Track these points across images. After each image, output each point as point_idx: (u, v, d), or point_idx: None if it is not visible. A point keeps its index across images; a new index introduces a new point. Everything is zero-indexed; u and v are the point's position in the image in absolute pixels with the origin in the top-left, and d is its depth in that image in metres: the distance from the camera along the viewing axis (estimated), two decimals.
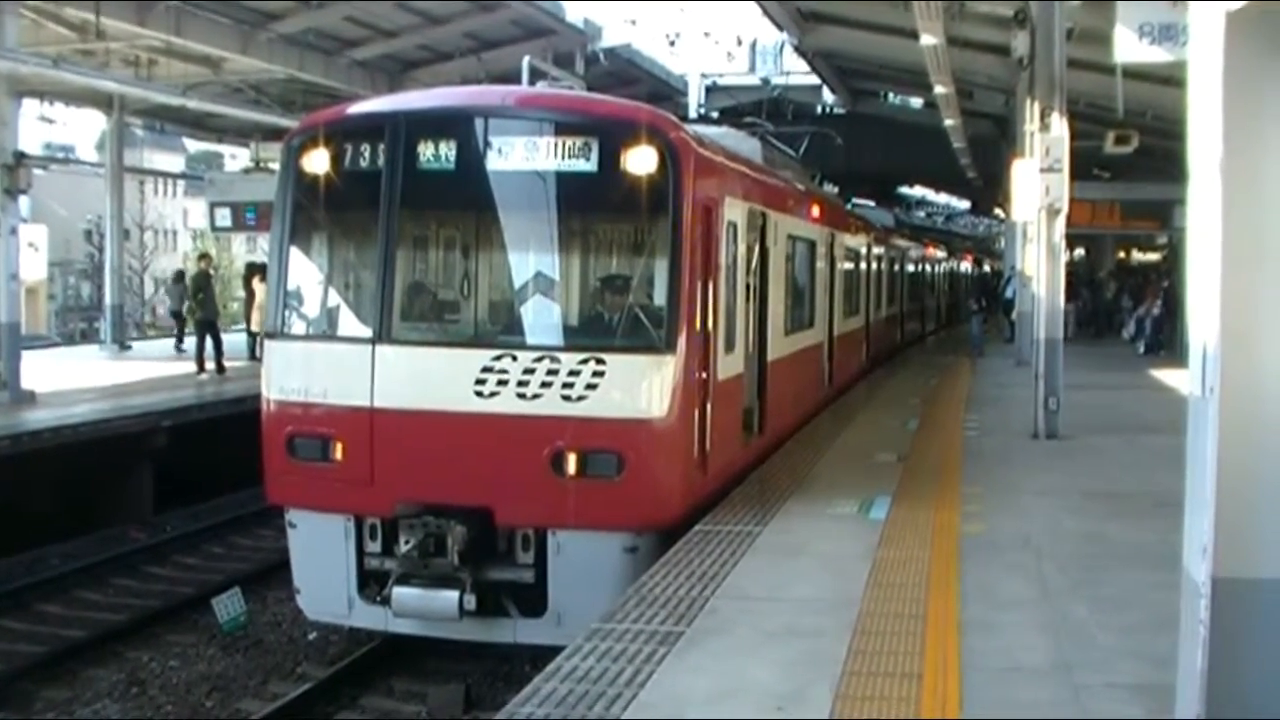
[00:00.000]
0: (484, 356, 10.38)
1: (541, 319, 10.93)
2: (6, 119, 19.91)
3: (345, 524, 10.81)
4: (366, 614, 10.93)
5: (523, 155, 10.66)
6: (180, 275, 32.34)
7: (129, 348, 30.32)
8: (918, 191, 65.13)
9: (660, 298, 10.58)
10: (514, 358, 10.29)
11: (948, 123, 29.73)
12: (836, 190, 29.86)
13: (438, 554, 10.26)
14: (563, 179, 10.64)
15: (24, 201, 21.27)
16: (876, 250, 26.59)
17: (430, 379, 10.54)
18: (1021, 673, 7.01)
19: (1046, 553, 9.85)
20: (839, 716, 6.28)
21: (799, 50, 30.40)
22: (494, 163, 10.72)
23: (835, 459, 14.25)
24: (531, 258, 11.06)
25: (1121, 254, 46.70)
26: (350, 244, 11.75)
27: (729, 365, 12.02)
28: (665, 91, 34.95)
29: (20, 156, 19.64)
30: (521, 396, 10.22)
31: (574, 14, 27.31)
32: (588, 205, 11.04)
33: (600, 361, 10.19)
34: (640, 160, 10.33)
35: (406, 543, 10.31)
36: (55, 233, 70.22)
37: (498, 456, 10.29)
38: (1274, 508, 4.81)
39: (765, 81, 36.48)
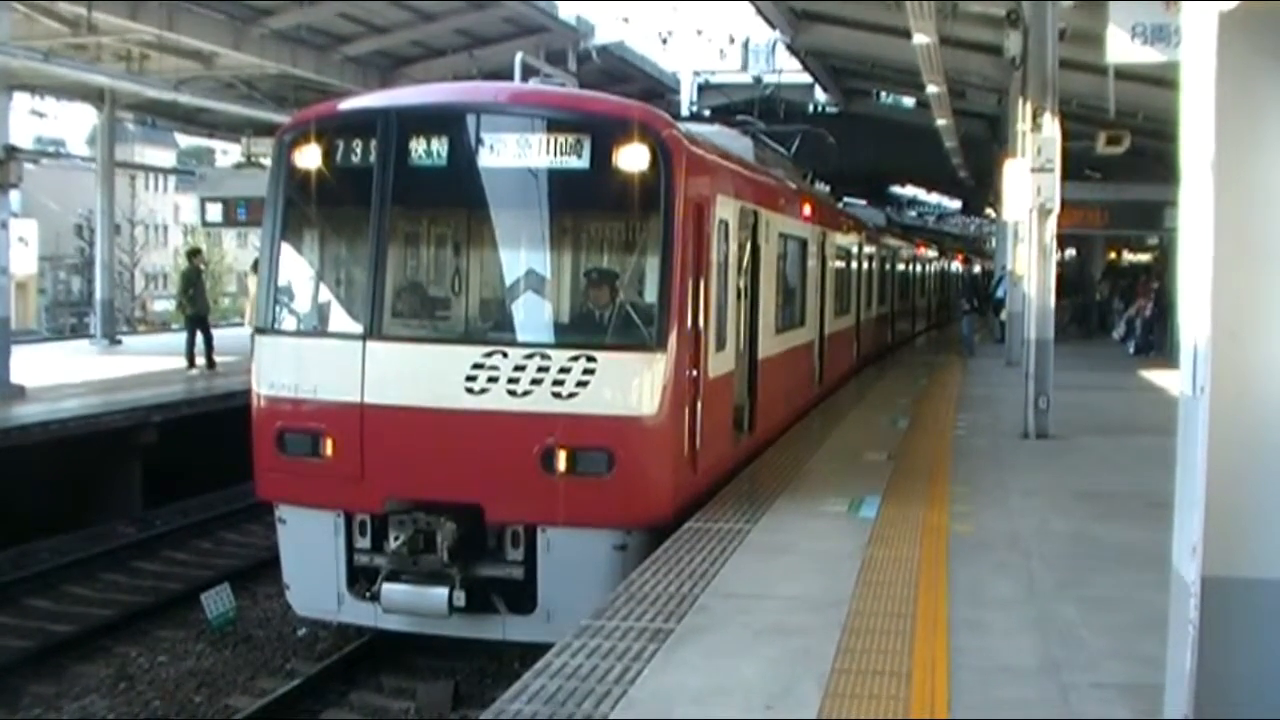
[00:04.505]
0: (475, 353, 10.38)
1: (532, 316, 10.93)
2: None
3: (335, 520, 10.81)
4: (356, 610, 10.93)
5: (515, 152, 10.65)
6: None
7: (119, 343, 30.27)
8: (909, 191, 65.21)
9: (651, 295, 10.59)
10: (505, 354, 10.29)
11: (940, 122, 29.76)
12: (828, 189, 29.81)
13: (427, 550, 10.28)
14: (555, 176, 10.64)
15: (14, 196, 21.17)
16: (868, 249, 26.60)
17: (421, 375, 10.53)
18: (1010, 672, 7.01)
19: (1035, 552, 9.86)
20: (827, 714, 6.28)
21: (791, 49, 30.39)
22: (486, 159, 10.69)
23: (825, 458, 14.25)
24: (523, 255, 11.07)
25: (1112, 254, 46.77)
26: (341, 240, 11.71)
27: (720, 363, 12.02)
28: (658, 89, 34.93)
29: (11, 150, 19.55)
30: (512, 393, 10.22)
31: (566, 11, 27.42)
32: (579, 202, 11.04)
33: (591, 359, 10.19)
34: (632, 158, 10.32)
35: (396, 539, 10.33)
36: (46, 227, 70.08)
37: (488, 453, 10.28)
38: (1264, 507, 4.82)
39: (758, 80, 36.48)
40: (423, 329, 11.23)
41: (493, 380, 10.25)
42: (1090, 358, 28.03)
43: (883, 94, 39.74)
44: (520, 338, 10.60)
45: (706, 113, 31.53)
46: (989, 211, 45.28)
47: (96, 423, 17.52)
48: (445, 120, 10.92)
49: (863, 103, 39.42)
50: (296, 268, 11.46)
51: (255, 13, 23.74)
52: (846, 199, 35.86)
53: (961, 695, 6.56)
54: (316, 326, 11.39)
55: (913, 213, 64.82)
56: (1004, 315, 29.49)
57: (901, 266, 35.42)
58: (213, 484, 18.66)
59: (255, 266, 29.29)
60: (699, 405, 11.14)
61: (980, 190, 43.01)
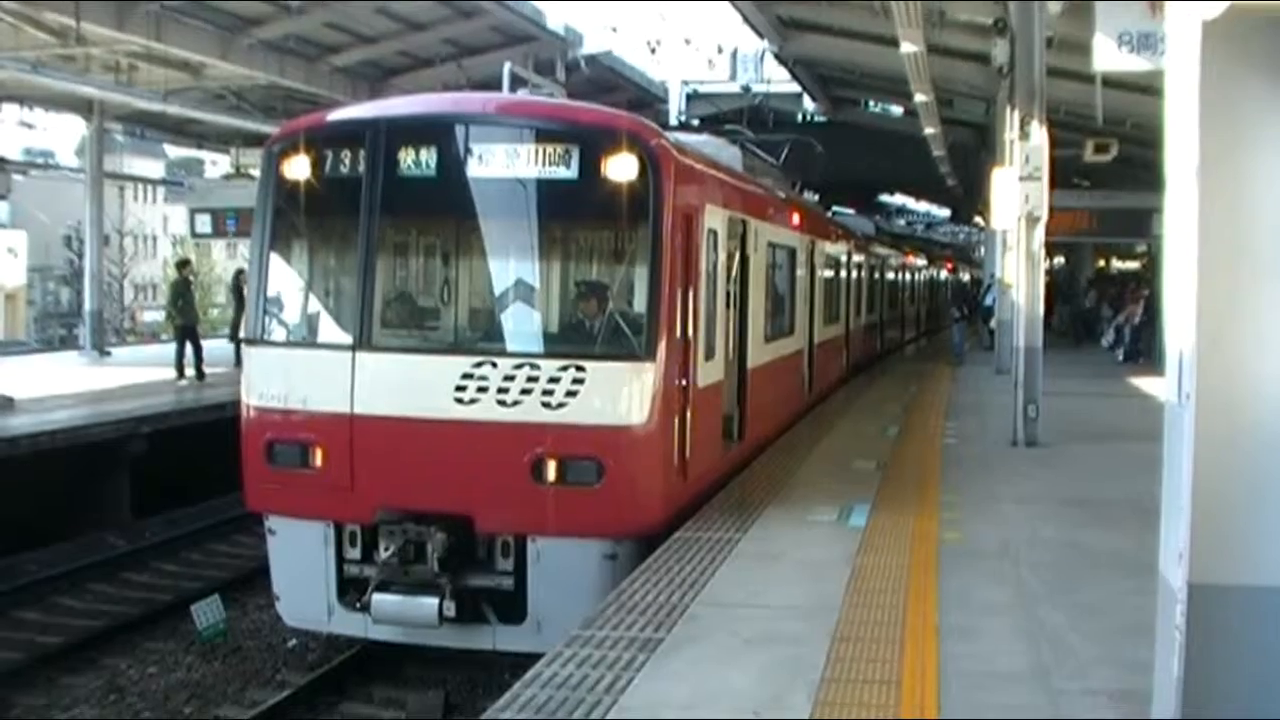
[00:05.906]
0: (464, 363, 10.39)
1: (522, 326, 10.94)
2: None
3: (325, 530, 10.80)
4: (346, 621, 10.91)
5: (503, 162, 10.66)
6: None
7: (108, 354, 30.21)
8: (898, 199, 65.31)
9: (640, 305, 10.60)
10: (494, 364, 10.29)
11: (928, 131, 29.82)
12: (817, 198, 29.87)
13: (417, 561, 10.27)
14: (543, 186, 10.65)
15: (4, 207, 21.23)
16: (857, 258, 26.64)
17: (410, 386, 10.53)
18: (999, 679, 7.02)
19: (1025, 560, 9.88)
20: None
21: (779, 58, 30.47)
22: (474, 169, 10.71)
23: (815, 466, 14.26)
24: (512, 265, 11.07)
25: (1101, 262, 46.90)
26: (330, 250, 11.72)
27: (709, 372, 12.03)
28: (646, 99, 35.00)
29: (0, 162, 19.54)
30: (502, 403, 10.22)
31: (555, 20, 27.33)
32: (568, 212, 11.05)
33: (580, 369, 10.20)
34: (621, 167, 10.34)
35: (386, 549, 10.31)
36: (35, 238, 70.09)
37: (478, 463, 10.29)
38: (1249, 514, 4.84)
39: (746, 89, 36.57)
40: (412, 339, 11.24)
41: (482, 390, 10.26)
42: (1079, 365, 28.07)
43: (871, 102, 39.82)
44: (510, 347, 10.59)
45: (695, 122, 31.67)
46: (978, 219, 45.41)
47: (85, 434, 17.48)
48: (434, 131, 10.94)
49: (851, 111, 39.48)
50: (286, 278, 11.46)
51: (243, 23, 23.73)
52: (835, 208, 35.96)
53: (951, 703, 6.57)
54: (306, 337, 11.37)
55: (901, 221, 64.93)
56: (993, 323, 29.53)
57: (890, 275, 35.46)
58: (202, 495, 18.61)
59: (235, 279, 29.41)
60: (688, 414, 11.15)
61: (969, 198, 43.08)
